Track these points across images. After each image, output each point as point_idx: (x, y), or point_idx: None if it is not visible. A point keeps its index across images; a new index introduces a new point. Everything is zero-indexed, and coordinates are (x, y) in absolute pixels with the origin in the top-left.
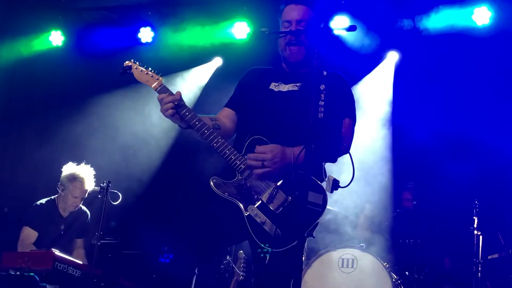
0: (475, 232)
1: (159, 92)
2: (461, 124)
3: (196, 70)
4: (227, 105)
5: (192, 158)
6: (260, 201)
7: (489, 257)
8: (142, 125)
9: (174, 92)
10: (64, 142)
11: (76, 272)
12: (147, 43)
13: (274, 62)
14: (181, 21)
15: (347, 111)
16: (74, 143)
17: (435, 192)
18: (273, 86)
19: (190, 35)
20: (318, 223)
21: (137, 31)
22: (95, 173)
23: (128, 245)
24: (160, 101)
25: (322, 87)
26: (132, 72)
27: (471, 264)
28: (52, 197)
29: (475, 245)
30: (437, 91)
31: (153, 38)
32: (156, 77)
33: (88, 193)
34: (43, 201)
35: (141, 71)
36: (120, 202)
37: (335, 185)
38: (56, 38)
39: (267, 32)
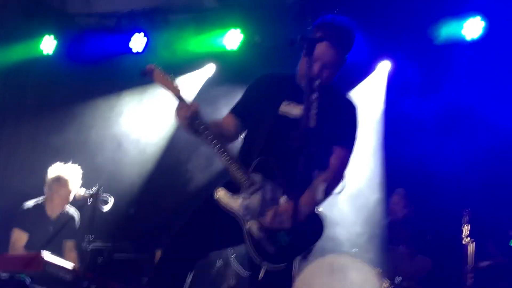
0: (466, 239)
1: (178, 100)
2: (455, 133)
3: (188, 77)
4: (232, 111)
5: (185, 163)
6: (261, 218)
7: (480, 264)
8: (133, 131)
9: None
10: (55, 148)
11: (66, 276)
12: (137, 53)
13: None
14: (174, 29)
15: (343, 139)
16: (65, 149)
17: (427, 199)
18: (283, 106)
19: (183, 42)
20: (314, 247)
21: (130, 38)
22: (82, 172)
23: (120, 249)
24: (179, 109)
25: (314, 96)
26: (153, 75)
27: (462, 272)
28: (40, 198)
29: (466, 253)
30: (429, 101)
31: (146, 45)
32: (175, 85)
33: (78, 198)
34: (30, 203)
35: (163, 76)
36: (112, 205)
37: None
38: (48, 43)
39: (259, 41)
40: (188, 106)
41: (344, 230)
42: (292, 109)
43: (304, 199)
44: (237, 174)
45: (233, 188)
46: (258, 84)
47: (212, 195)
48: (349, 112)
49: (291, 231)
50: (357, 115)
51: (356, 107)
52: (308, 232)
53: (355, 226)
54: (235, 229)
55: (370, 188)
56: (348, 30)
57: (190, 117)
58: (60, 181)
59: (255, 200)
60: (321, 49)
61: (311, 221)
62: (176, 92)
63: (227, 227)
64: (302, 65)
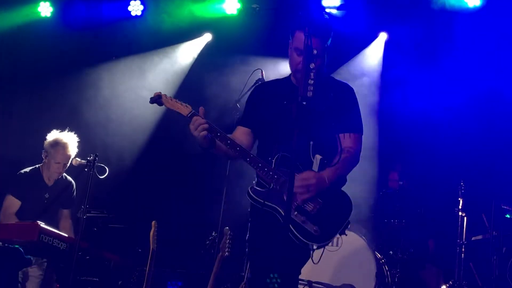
0: (460, 213)
1: (191, 117)
2: (450, 106)
3: (185, 45)
4: (241, 124)
5: (181, 134)
6: (295, 205)
7: (473, 238)
8: (130, 99)
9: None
10: (51, 114)
11: (61, 245)
12: (136, 16)
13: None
14: None
15: (350, 124)
16: (61, 115)
17: (421, 173)
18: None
19: (180, 9)
20: (349, 221)
21: (127, 3)
22: (79, 140)
23: (115, 219)
24: (193, 123)
25: (312, 65)
26: (162, 101)
27: (455, 245)
28: (37, 165)
29: (459, 226)
30: (425, 73)
31: (143, 11)
32: (185, 105)
33: (75, 166)
34: (27, 169)
35: (171, 99)
36: (107, 175)
37: (322, 164)
38: (45, 9)
39: (257, 8)
40: (201, 116)
41: None
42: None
43: (325, 172)
44: (262, 169)
45: (261, 185)
46: (257, 93)
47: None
48: (348, 95)
49: (325, 208)
50: (355, 97)
51: (353, 91)
52: (339, 208)
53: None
54: (278, 222)
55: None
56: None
57: (206, 125)
58: (58, 146)
59: (285, 190)
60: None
61: (340, 198)
62: (188, 110)
63: (271, 222)
64: (293, 61)
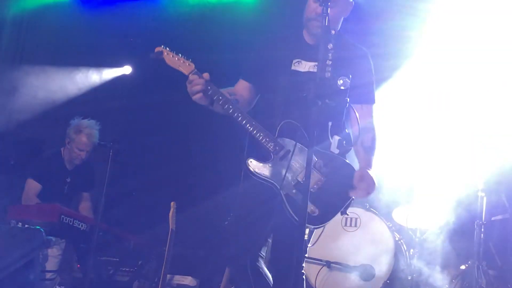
0: (479, 193)
1: (192, 74)
2: None
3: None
4: (243, 77)
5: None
6: (296, 181)
7: (493, 218)
8: (144, 83)
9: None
10: (70, 96)
11: (82, 226)
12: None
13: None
14: None
15: (365, 94)
16: (83, 98)
17: None
18: (294, 65)
19: None
20: (352, 199)
21: None
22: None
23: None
24: (190, 82)
25: (330, 46)
26: (163, 58)
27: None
28: (59, 149)
29: (479, 206)
30: None
31: None
32: (188, 63)
33: (96, 149)
34: (48, 153)
35: (173, 56)
36: (126, 157)
37: (340, 145)
38: None
39: None
40: (200, 76)
41: None
42: (300, 66)
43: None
44: (264, 139)
45: (262, 155)
46: (264, 45)
47: (245, 169)
48: (364, 61)
49: (327, 184)
50: (371, 64)
51: (369, 56)
52: (343, 184)
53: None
54: (273, 197)
55: None
56: None
57: (204, 87)
58: (81, 133)
59: (287, 163)
60: None
61: (344, 172)
62: (189, 69)
63: (265, 196)
64: (309, 8)
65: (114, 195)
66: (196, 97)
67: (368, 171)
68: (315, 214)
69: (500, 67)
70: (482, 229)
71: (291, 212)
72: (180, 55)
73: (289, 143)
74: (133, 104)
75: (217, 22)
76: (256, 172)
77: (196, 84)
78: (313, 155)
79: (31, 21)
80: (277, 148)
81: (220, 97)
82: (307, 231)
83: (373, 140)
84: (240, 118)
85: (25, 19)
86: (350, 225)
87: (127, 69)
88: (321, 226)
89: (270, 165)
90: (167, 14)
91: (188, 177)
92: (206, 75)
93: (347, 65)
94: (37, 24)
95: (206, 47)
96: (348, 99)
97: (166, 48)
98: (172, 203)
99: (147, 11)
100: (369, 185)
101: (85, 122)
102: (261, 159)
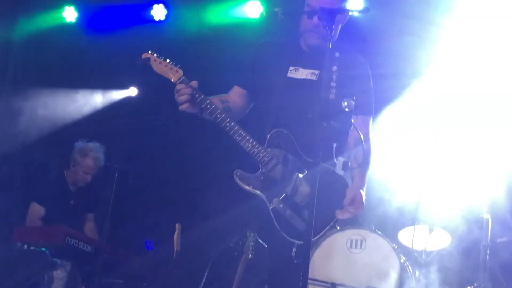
0: (484, 215)
1: (180, 82)
2: None
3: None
4: (238, 84)
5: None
6: (284, 194)
7: (498, 240)
8: (149, 106)
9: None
10: (75, 118)
11: (87, 247)
12: (160, 21)
13: (291, 35)
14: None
15: (362, 105)
16: (86, 119)
17: None
18: (290, 73)
19: (203, 13)
20: (337, 220)
21: (150, 8)
22: (105, 148)
23: (139, 223)
24: (177, 91)
25: (334, 68)
26: (151, 64)
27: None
28: (62, 172)
29: (484, 228)
30: None
31: (166, 16)
32: (176, 69)
33: (99, 169)
34: (52, 176)
35: (160, 63)
36: (131, 178)
37: (345, 166)
38: (69, 14)
39: (280, 12)
40: (188, 85)
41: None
42: (298, 73)
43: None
44: (252, 150)
45: (250, 166)
46: (260, 52)
47: (230, 177)
48: (362, 71)
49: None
50: (369, 74)
51: (367, 65)
52: (334, 197)
53: (378, 203)
54: (259, 210)
55: None
56: None
57: (191, 95)
58: (87, 156)
59: (275, 175)
60: None
61: (336, 184)
62: (177, 76)
63: (251, 208)
64: (304, 22)
65: (119, 216)
66: (183, 107)
67: (361, 191)
68: (303, 229)
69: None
70: (488, 251)
71: (277, 226)
72: (168, 61)
73: (279, 153)
74: (139, 126)
75: (221, 42)
76: (243, 184)
77: (183, 94)
78: (304, 168)
79: (36, 43)
80: (265, 159)
81: (208, 106)
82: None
83: (367, 154)
84: (227, 128)
85: (31, 41)
86: (356, 247)
87: (133, 91)
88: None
89: (257, 176)
90: (173, 35)
91: (193, 198)
92: (194, 83)
93: (349, 82)
94: (42, 47)
95: (210, 67)
96: (352, 120)
97: (153, 54)
98: (177, 225)
99: (152, 32)
100: (358, 208)
101: (91, 145)
102: (249, 170)
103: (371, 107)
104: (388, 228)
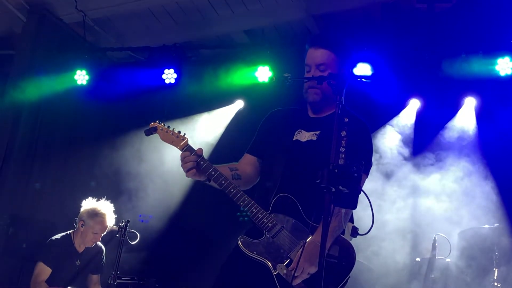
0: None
1: (185, 150)
2: None
3: (218, 112)
4: (249, 152)
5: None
6: (288, 260)
7: None
8: (162, 167)
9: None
10: (85, 181)
11: None
12: (170, 84)
13: (299, 102)
14: (204, 64)
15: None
16: (95, 182)
17: None
18: (295, 135)
19: (213, 77)
20: (349, 277)
21: (162, 72)
22: (114, 209)
23: (145, 285)
24: (182, 159)
25: (343, 133)
26: (157, 133)
27: None
28: (68, 232)
29: None
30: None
31: (176, 79)
32: (182, 138)
33: (107, 231)
34: (58, 236)
35: (166, 132)
36: (138, 242)
37: (354, 232)
38: (81, 77)
39: (289, 77)
40: (193, 152)
41: (380, 260)
42: (301, 136)
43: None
44: (256, 215)
45: (255, 232)
46: (270, 120)
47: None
48: (364, 135)
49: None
50: (370, 135)
51: (368, 127)
52: (339, 262)
53: (392, 258)
54: (264, 275)
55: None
56: (335, 36)
57: (196, 162)
58: (96, 217)
59: (279, 241)
60: (309, 53)
61: (343, 249)
62: (183, 144)
63: (256, 275)
64: (305, 86)
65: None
66: (189, 174)
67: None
68: None
69: None
70: None
71: None
72: (173, 129)
73: (282, 219)
74: None
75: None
76: (247, 250)
77: (188, 161)
78: (309, 233)
79: (46, 107)
80: (269, 224)
81: (213, 172)
82: None
83: (346, 214)
84: (231, 194)
85: (42, 105)
86: None
87: None
88: None
89: (262, 242)
90: (182, 96)
91: (200, 260)
92: (199, 151)
93: (355, 147)
94: (52, 110)
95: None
96: (361, 185)
97: (160, 123)
98: None
99: (160, 94)
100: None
101: (100, 204)
102: (254, 235)
103: (369, 166)
104: None
